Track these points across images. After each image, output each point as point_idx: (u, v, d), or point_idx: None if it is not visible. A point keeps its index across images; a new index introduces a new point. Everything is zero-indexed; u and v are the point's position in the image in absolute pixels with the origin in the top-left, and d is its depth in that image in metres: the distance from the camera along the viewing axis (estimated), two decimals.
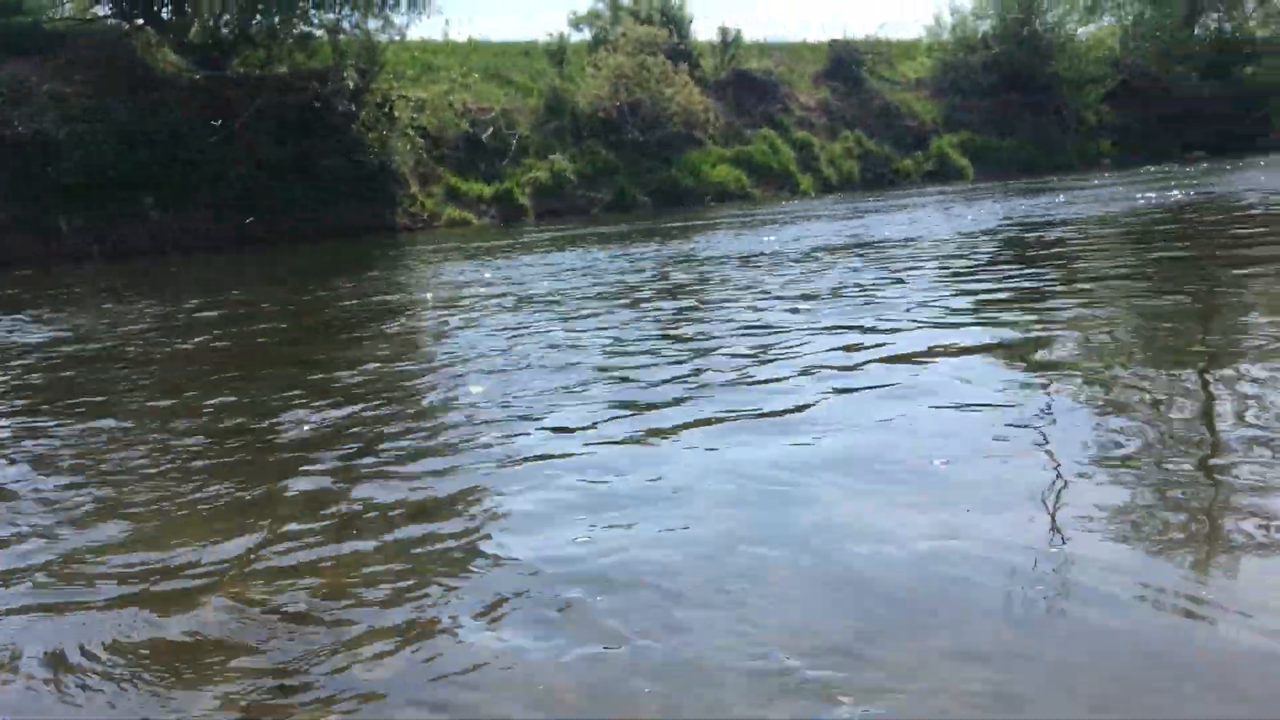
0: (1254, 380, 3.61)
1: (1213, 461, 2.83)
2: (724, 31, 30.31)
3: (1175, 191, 14.72)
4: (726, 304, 6.54)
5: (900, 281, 6.98)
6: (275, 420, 4.13)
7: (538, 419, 3.83)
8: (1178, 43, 35.84)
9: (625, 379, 4.42)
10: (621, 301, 7.10)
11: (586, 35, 29.24)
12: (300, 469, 3.43)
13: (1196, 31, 37.39)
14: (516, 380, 4.55)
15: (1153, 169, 25.21)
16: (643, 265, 9.72)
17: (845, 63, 31.36)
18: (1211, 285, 6.03)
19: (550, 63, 27.81)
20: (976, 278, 7.00)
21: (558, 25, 43.69)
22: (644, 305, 6.84)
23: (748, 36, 31.37)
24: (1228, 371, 3.78)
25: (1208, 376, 3.74)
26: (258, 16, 21.47)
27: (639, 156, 25.23)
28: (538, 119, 25.46)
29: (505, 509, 2.91)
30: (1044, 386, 3.79)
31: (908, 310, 5.65)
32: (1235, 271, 6.49)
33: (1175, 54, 35.49)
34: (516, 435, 3.62)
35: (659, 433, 3.54)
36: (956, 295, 6.14)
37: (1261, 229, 8.99)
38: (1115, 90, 33.38)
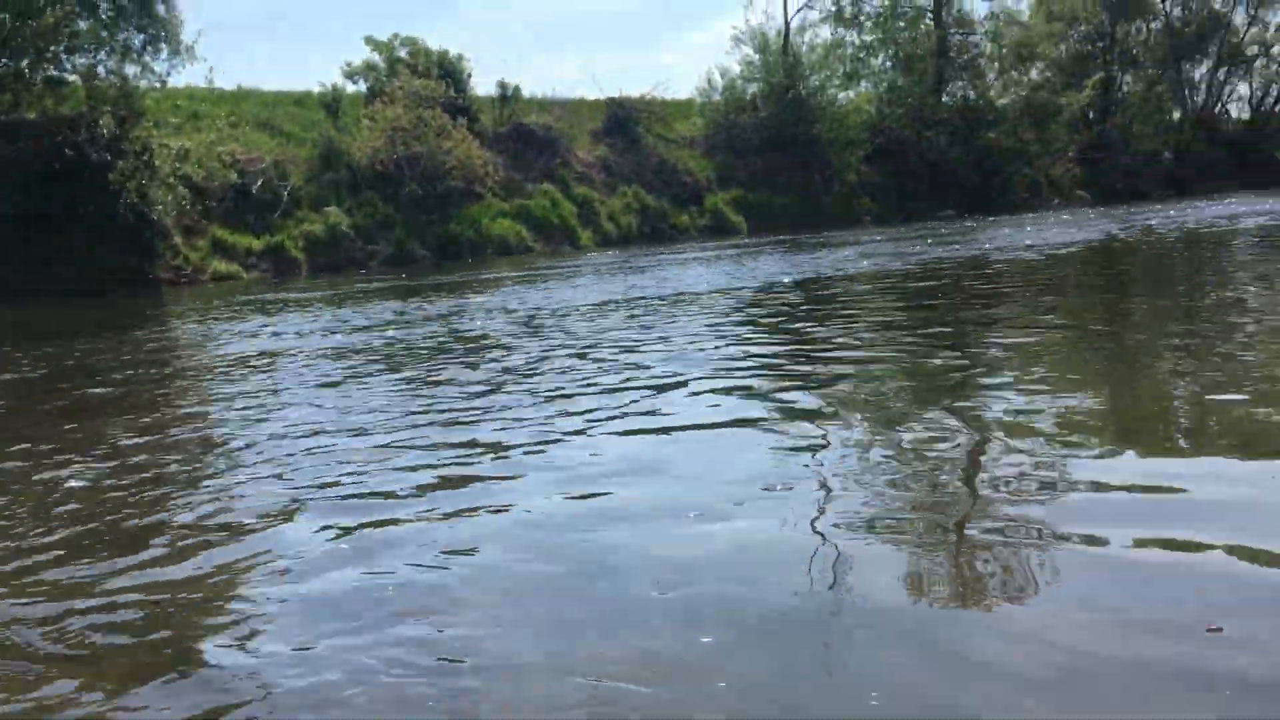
0: (1005, 425, 3.81)
1: (970, 490, 2.95)
2: (503, 86, 30.50)
3: (934, 248, 15.66)
4: (499, 360, 6.47)
5: (669, 337, 7.09)
6: None
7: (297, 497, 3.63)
8: (928, 109, 38.47)
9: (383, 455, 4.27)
10: (394, 361, 6.92)
11: (362, 87, 28.78)
12: None
13: (944, 99, 40.25)
14: (267, 452, 4.32)
15: (908, 226, 26.81)
16: (417, 321, 9.55)
17: (623, 120, 32.10)
18: (969, 332, 6.39)
19: (325, 114, 27.21)
20: (748, 331, 7.19)
21: (332, 76, 42.96)
22: (418, 367, 6.68)
23: (527, 92, 31.70)
24: (983, 414, 3.97)
25: (964, 418, 3.92)
26: (4, 60, 20.11)
27: (418, 210, 24.95)
28: (312, 170, 24.83)
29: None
30: (814, 428, 3.89)
31: (682, 362, 5.72)
32: (987, 317, 6.93)
33: (926, 119, 38.06)
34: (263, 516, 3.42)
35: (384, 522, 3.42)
36: (730, 346, 6.27)
37: (1008, 280, 9.68)
38: (874, 152, 35.46)
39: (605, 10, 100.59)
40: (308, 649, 2.29)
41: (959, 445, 3.62)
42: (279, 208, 23.05)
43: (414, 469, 3.79)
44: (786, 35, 36.98)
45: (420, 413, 4.86)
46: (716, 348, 6.39)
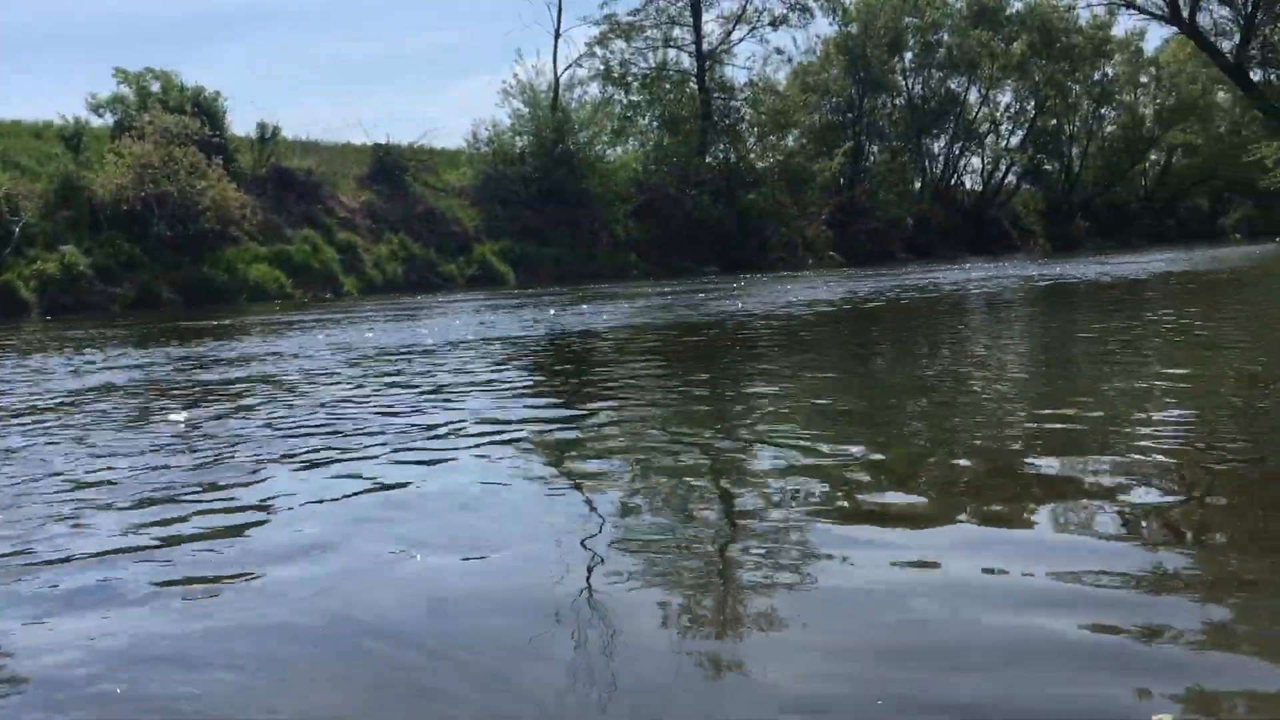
0: (761, 467, 3.89)
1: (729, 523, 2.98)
2: (263, 127, 29.48)
3: (700, 302, 16.09)
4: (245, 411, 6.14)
5: (427, 385, 6.94)
6: None
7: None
8: (692, 168, 39.80)
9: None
10: (120, 410, 6.46)
11: (109, 120, 27.16)
12: None
13: (708, 159, 41.76)
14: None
15: (673, 281, 27.53)
16: (153, 367, 8.98)
17: (389, 167, 31.63)
18: (731, 381, 6.55)
19: (65, 147, 25.47)
20: (511, 378, 7.12)
21: (75, 108, 40.43)
22: (147, 414, 6.26)
23: (290, 134, 30.80)
24: (740, 457, 4.05)
25: (720, 460, 3.98)
26: None
27: (167, 251, 23.68)
28: (48, 206, 23.17)
29: None
30: (572, 476, 3.86)
31: (443, 409, 5.59)
32: (750, 367, 7.13)
33: (691, 179, 39.35)
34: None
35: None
36: (490, 394, 6.19)
37: (769, 333, 10.04)
38: (641, 208, 36.32)
39: (375, 56, 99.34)
40: None
41: (713, 485, 3.67)
42: (9, 244, 21.36)
43: (160, 523, 3.52)
44: (556, 91, 37.54)
45: (166, 468, 4.54)
46: (477, 395, 6.29)
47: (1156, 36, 68.08)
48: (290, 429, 5.37)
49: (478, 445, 4.75)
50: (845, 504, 3.45)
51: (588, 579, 2.81)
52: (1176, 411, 4.92)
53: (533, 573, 2.90)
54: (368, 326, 13.52)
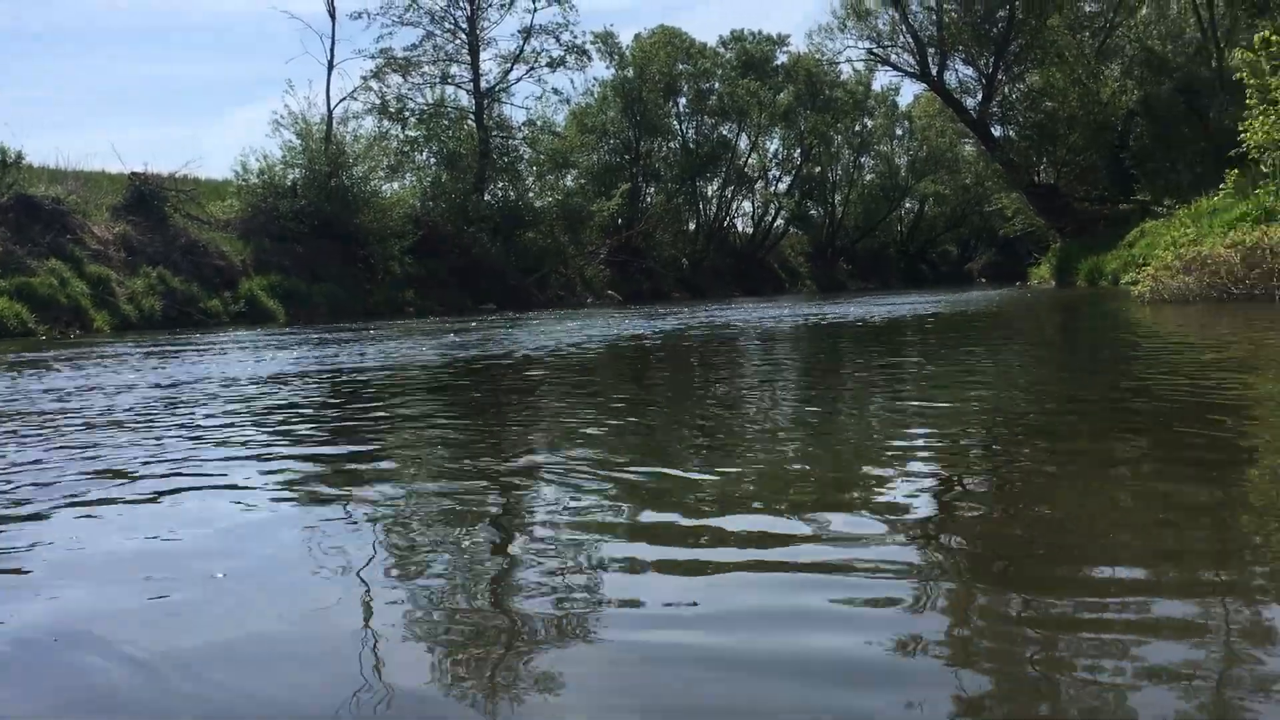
0: (541, 508, 3.80)
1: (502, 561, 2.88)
2: (3, 152, 27.35)
3: (479, 342, 15.90)
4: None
5: (184, 425, 6.52)
6: None
7: None
8: (471, 206, 39.61)
9: None
10: None
11: None
12: None
13: (486, 197, 41.68)
14: None
15: (451, 319, 27.20)
16: None
17: (148, 197, 29.91)
18: (508, 417, 6.44)
19: None
20: (278, 422, 6.77)
21: None
22: None
23: (35, 160, 28.72)
24: (519, 496, 3.95)
25: (503, 500, 3.87)
26: None
27: None
28: None
29: None
30: (341, 512, 3.66)
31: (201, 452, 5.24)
32: (527, 405, 7.05)
33: (469, 216, 39.13)
34: None
35: None
36: (259, 435, 5.86)
37: (550, 372, 10.00)
38: (418, 245, 35.76)
39: (132, 80, 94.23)
40: None
41: (492, 526, 3.57)
42: None
43: None
44: (330, 124, 36.60)
45: None
46: (238, 440, 5.95)
47: (909, 92, 73.05)
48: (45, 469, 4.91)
49: (235, 485, 4.48)
50: (624, 536, 3.41)
51: (343, 616, 2.67)
52: (932, 439, 5.17)
53: (289, 613, 2.72)
54: (154, 364, 12.66)
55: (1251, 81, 18.75)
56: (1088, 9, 44.89)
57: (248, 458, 5.22)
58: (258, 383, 9.59)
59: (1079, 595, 2.68)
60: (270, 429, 6.36)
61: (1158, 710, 2.01)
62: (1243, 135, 18.54)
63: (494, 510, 3.94)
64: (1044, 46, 42.58)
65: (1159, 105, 36.30)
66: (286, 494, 4.36)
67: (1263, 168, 19.52)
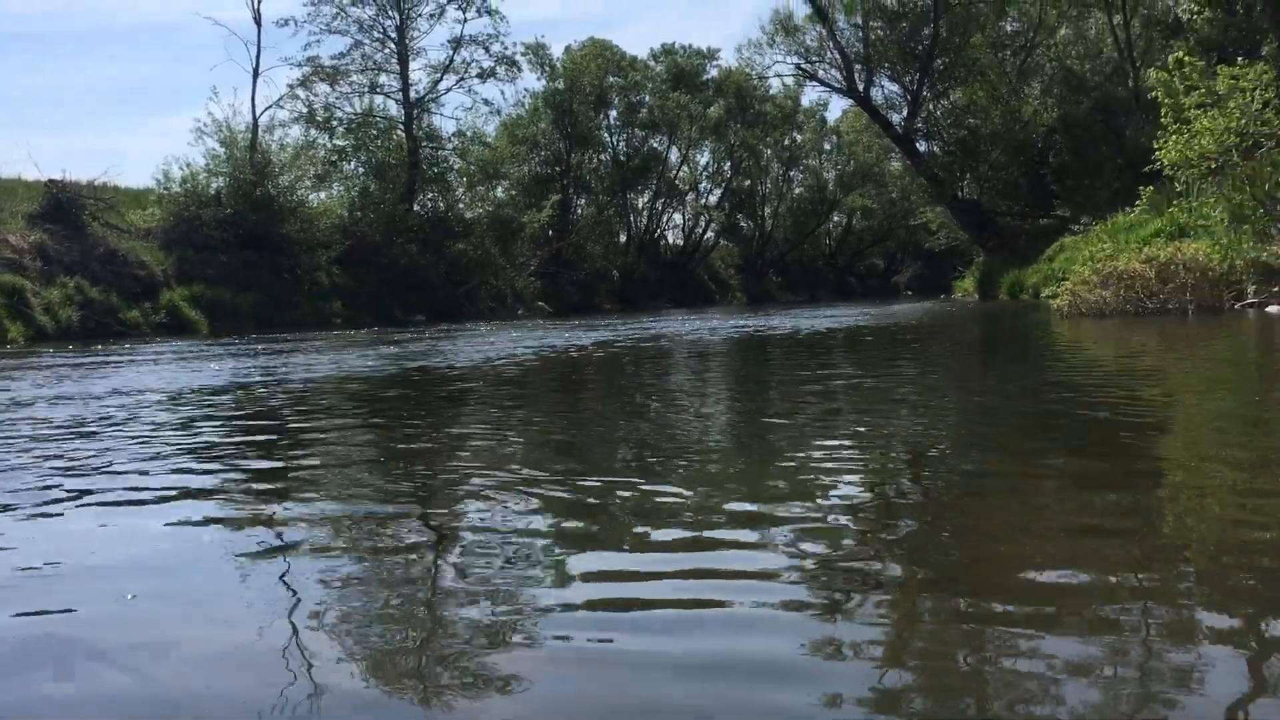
0: (466, 525, 3.78)
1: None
2: None
3: (408, 354, 15.75)
4: None
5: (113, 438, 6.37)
6: None
7: None
8: (400, 216, 39.21)
9: None
10: None
11: None
12: None
13: (416, 208, 41.30)
14: None
15: (380, 331, 26.92)
16: None
17: (66, 205, 29.13)
18: (435, 434, 6.38)
19: None
20: (200, 435, 6.65)
21: None
22: None
23: None
24: (445, 512, 3.91)
25: (426, 518, 3.83)
26: None
27: None
28: None
29: None
30: (269, 531, 3.60)
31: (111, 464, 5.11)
32: (453, 420, 6.99)
33: (398, 226, 38.74)
34: None
35: None
36: (175, 456, 5.74)
37: (473, 384, 9.93)
38: (346, 255, 35.31)
39: (51, 86, 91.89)
40: None
41: (422, 534, 3.55)
42: None
43: None
44: (255, 132, 36.01)
45: None
46: (162, 452, 5.82)
47: (837, 108, 73.99)
48: None
49: (162, 501, 4.40)
50: (556, 544, 3.43)
51: (273, 630, 2.63)
52: (857, 451, 5.24)
53: (218, 622, 2.68)
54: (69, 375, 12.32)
55: (1166, 101, 19.27)
56: (1009, 28, 45.89)
57: (164, 472, 5.12)
58: (177, 397, 9.41)
59: (1000, 598, 2.74)
60: (189, 446, 6.24)
61: (1079, 703, 2.07)
62: (1158, 153, 19.05)
63: (424, 519, 3.91)
64: (967, 65, 43.42)
65: (1077, 123, 37.18)
66: (206, 510, 4.28)
67: (1176, 185, 20.08)
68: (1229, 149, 17.70)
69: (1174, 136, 18.68)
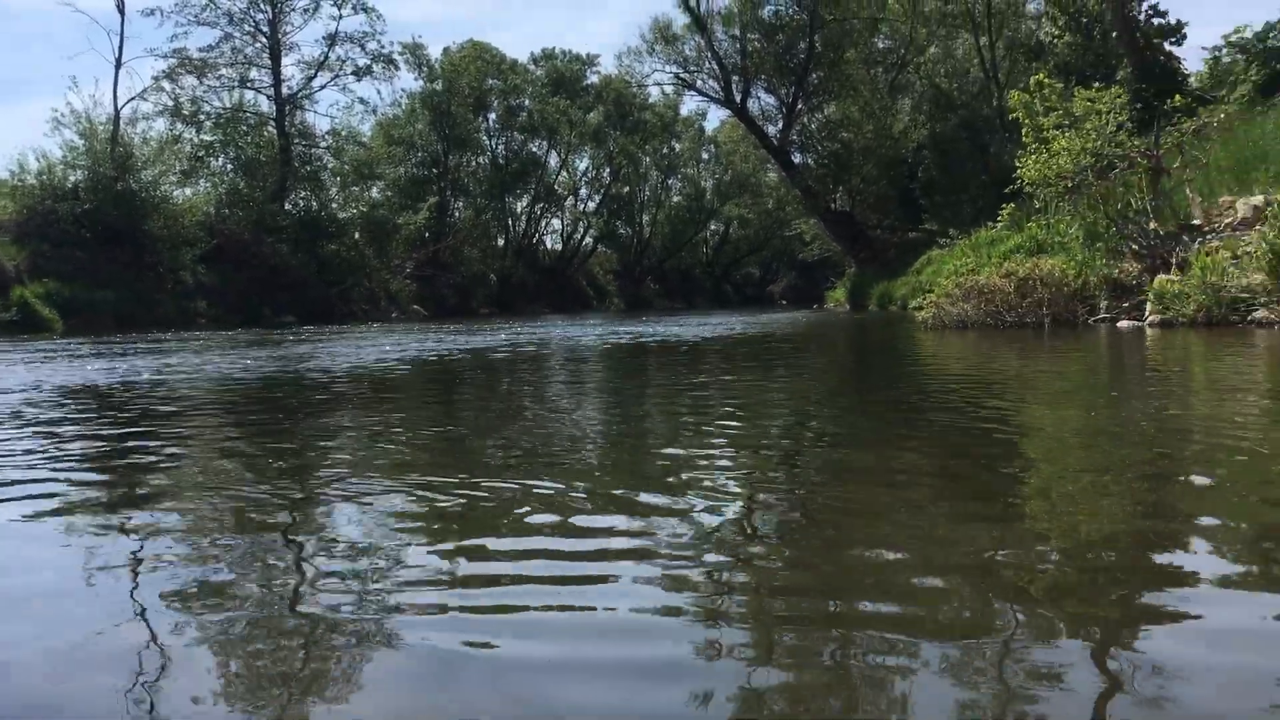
0: (336, 528, 3.67)
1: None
2: None
3: (273, 358, 15.32)
4: None
5: None
6: None
7: None
8: (269, 215, 38.21)
9: None
10: None
11: None
12: None
13: (287, 206, 40.31)
14: None
15: (246, 332, 26.16)
16: None
17: None
18: (307, 436, 6.21)
19: None
20: (56, 436, 6.33)
21: None
22: None
23: None
24: (310, 527, 3.79)
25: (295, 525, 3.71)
26: None
27: None
28: None
29: None
30: (120, 532, 3.43)
31: None
32: (324, 425, 6.81)
33: (268, 225, 37.75)
34: None
35: None
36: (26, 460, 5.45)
37: (343, 389, 9.72)
38: (212, 253, 34.25)
39: None
40: None
41: (290, 538, 3.44)
42: None
43: None
44: (116, 124, 34.63)
45: None
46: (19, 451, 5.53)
47: (715, 118, 74.88)
48: None
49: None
50: (427, 547, 3.38)
51: (129, 629, 2.51)
52: (729, 458, 5.29)
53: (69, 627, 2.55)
54: None
55: (1026, 121, 20.05)
56: (881, 45, 47.17)
57: (13, 481, 4.88)
58: (25, 400, 8.98)
59: (871, 601, 2.79)
60: (43, 452, 5.96)
61: (948, 700, 2.11)
62: (1019, 171, 19.78)
63: (292, 524, 3.81)
64: (841, 79, 44.44)
65: (945, 140, 38.41)
66: (64, 518, 4.09)
67: (1036, 203, 20.89)
68: (1084, 169, 18.48)
69: (1034, 156, 19.42)
